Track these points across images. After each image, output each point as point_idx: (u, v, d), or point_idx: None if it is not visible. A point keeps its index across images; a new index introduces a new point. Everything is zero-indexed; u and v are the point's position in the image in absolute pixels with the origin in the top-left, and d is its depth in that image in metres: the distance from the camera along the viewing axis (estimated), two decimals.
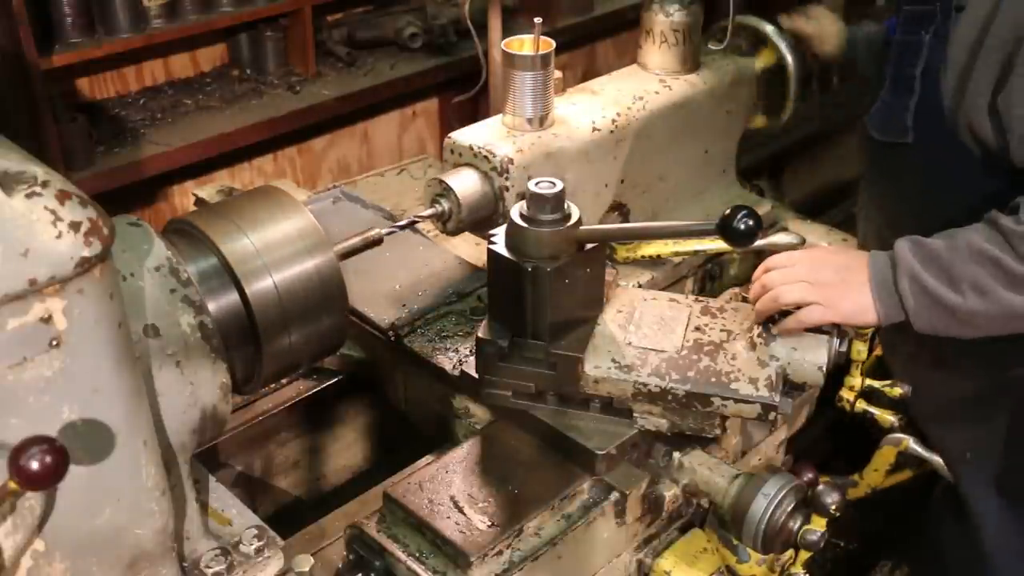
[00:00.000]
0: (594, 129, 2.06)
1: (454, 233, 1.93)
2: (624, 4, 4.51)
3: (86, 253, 1.03)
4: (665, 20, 2.23)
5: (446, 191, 1.88)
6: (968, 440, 2.08)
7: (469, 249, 2.24)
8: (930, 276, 1.64)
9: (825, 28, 2.44)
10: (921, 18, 1.83)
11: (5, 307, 0.99)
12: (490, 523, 1.56)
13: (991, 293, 1.60)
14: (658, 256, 2.16)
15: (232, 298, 1.41)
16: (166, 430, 1.30)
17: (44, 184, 1.03)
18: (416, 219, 1.89)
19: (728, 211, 1.41)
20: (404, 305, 2.06)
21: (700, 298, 1.82)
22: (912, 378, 2.16)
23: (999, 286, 1.60)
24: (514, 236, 1.64)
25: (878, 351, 2.36)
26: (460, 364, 1.87)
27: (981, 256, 1.61)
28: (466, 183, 1.90)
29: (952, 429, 2.12)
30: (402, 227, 1.85)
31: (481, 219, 1.93)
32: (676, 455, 1.73)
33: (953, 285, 1.62)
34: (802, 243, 2.03)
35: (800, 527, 1.62)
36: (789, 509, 1.61)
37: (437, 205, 1.89)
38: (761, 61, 2.43)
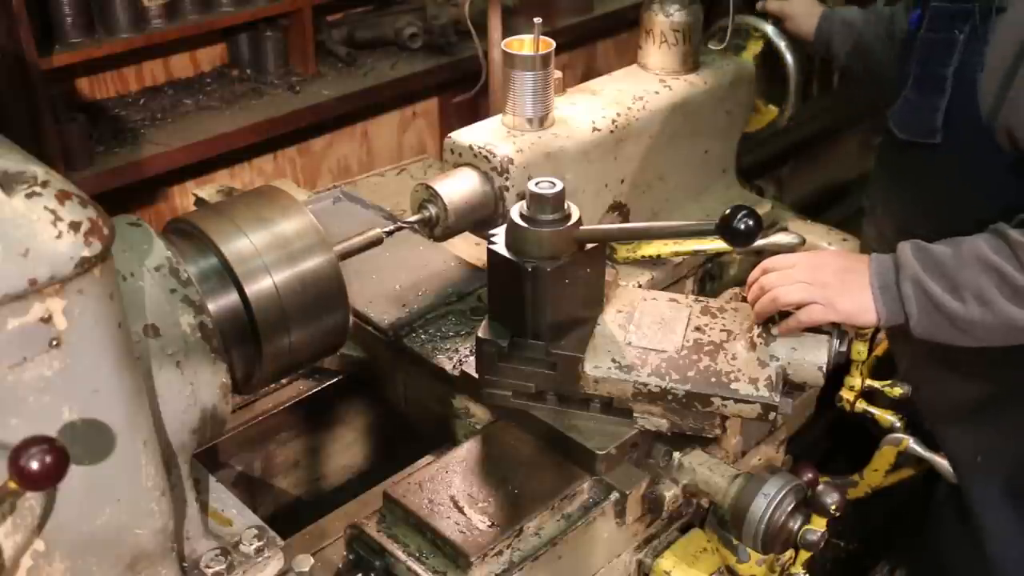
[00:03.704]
0: (594, 129, 2.06)
1: (441, 239, 1.92)
2: (624, 4, 4.50)
3: (86, 253, 1.03)
4: (665, 20, 2.23)
5: (433, 196, 1.87)
6: (979, 443, 2.06)
7: (469, 249, 2.24)
8: (933, 281, 1.62)
9: (802, 7, 2.42)
10: (954, 16, 1.76)
11: (5, 307, 0.99)
12: (490, 523, 1.56)
13: (993, 303, 1.59)
14: (658, 256, 2.16)
15: (232, 298, 1.41)
16: (166, 430, 1.30)
17: (44, 184, 1.03)
18: (403, 225, 1.86)
19: (728, 211, 1.41)
20: (404, 305, 2.06)
21: (700, 298, 1.82)
22: (922, 378, 2.15)
23: (1001, 297, 1.59)
24: (514, 236, 1.64)
25: (878, 351, 2.35)
26: (460, 364, 1.87)
27: (986, 265, 1.59)
28: (454, 188, 1.89)
29: (963, 431, 2.10)
30: (392, 231, 1.83)
31: (479, 220, 1.93)
32: (676, 455, 1.73)
33: (955, 292, 1.61)
34: (802, 243, 2.03)
35: (800, 527, 1.62)
36: (789, 509, 1.61)
37: (424, 211, 1.88)
38: (750, 52, 2.44)
